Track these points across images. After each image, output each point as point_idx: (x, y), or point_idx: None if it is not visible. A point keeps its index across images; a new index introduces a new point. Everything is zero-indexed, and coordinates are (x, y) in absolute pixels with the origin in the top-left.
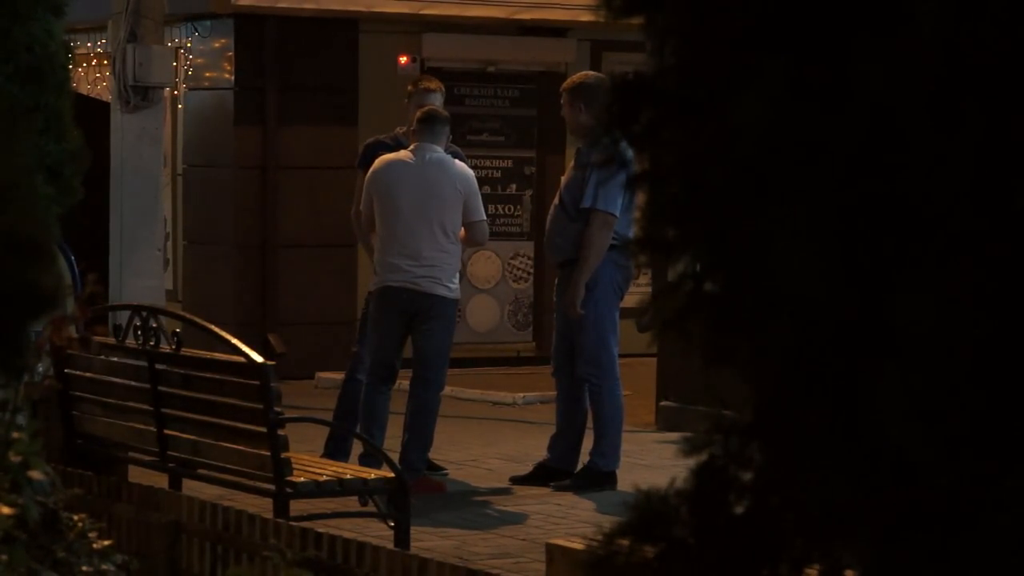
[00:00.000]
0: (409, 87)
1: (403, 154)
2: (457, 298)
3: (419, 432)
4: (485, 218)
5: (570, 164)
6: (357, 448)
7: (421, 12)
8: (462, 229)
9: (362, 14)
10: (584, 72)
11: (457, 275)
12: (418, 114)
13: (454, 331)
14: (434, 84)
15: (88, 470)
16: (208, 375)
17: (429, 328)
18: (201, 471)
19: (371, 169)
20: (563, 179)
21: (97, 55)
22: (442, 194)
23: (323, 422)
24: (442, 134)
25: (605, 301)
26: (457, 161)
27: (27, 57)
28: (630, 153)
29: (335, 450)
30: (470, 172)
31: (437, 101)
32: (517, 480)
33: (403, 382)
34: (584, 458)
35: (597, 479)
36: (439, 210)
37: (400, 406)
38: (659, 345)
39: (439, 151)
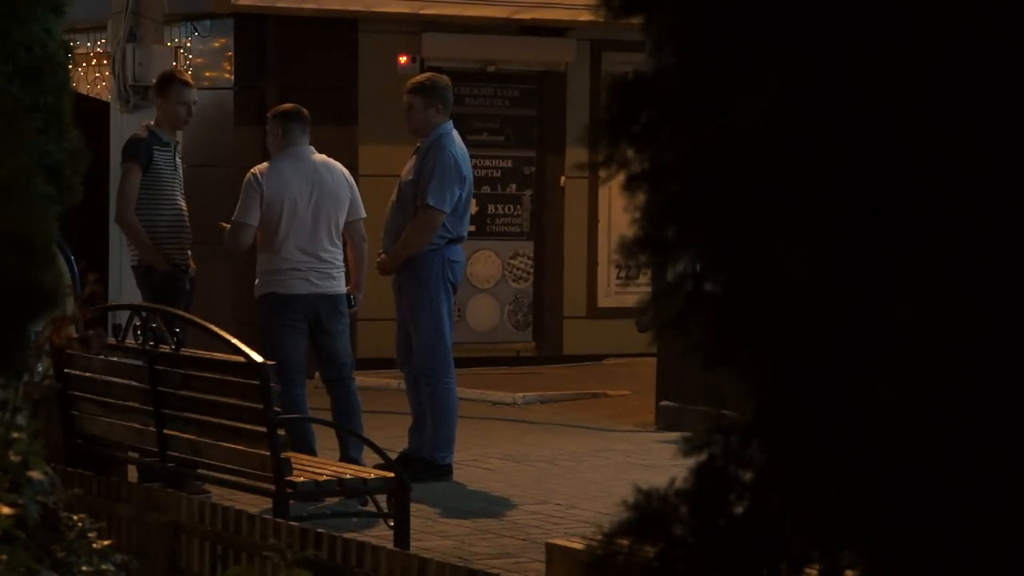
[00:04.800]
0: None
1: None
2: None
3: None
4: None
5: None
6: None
7: (421, 12)
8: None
9: (362, 14)
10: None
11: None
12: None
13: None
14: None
15: (88, 470)
16: (208, 375)
17: (335, 329)
18: (201, 471)
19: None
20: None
21: (97, 55)
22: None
23: (323, 422)
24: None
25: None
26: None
27: (27, 57)
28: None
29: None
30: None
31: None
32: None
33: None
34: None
35: (433, 470)
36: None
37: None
38: (659, 345)
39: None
